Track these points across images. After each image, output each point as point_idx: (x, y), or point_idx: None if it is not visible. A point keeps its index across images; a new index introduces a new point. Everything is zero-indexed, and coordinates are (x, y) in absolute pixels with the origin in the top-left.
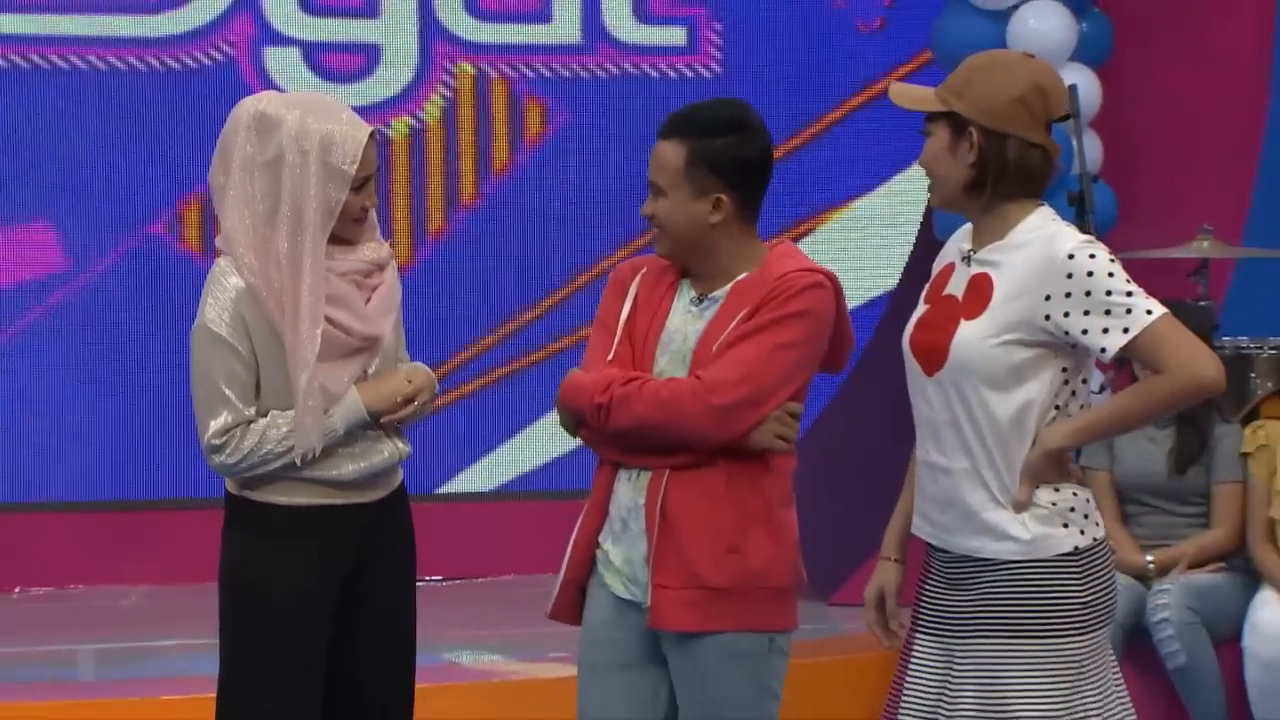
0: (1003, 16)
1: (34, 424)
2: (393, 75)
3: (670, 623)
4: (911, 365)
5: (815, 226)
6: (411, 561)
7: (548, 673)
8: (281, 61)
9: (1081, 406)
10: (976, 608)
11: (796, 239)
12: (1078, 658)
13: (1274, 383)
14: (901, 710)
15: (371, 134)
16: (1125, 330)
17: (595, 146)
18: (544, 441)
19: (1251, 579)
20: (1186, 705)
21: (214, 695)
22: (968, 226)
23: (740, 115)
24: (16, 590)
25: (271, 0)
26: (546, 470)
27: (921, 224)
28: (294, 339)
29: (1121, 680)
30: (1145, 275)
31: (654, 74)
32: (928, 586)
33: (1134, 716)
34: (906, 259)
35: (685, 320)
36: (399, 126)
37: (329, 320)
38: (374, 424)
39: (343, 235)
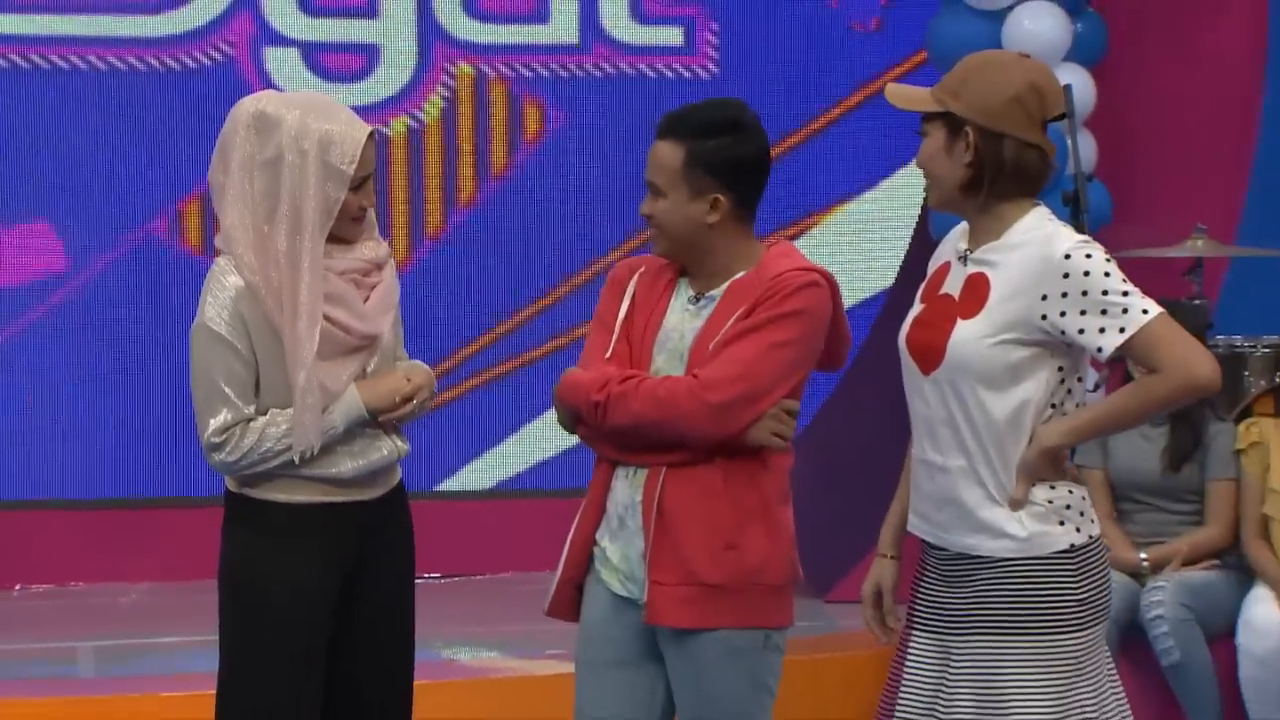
0: (998, 17)
1: (34, 422)
2: (391, 75)
3: (667, 619)
4: (908, 364)
5: (811, 225)
6: (410, 559)
7: (545, 669)
8: (281, 62)
9: (1077, 405)
10: (973, 605)
11: (793, 237)
12: (1074, 654)
13: (1267, 381)
14: (898, 707)
15: (370, 134)
16: (1122, 330)
17: (592, 146)
18: (542, 439)
19: (1245, 576)
20: (1181, 701)
21: (214, 692)
22: (963, 225)
23: (737, 115)
24: (17, 587)
25: (271, 1)
26: (544, 468)
27: (917, 223)
28: (292, 337)
29: (1117, 677)
30: (1139, 274)
31: (651, 74)
32: (923, 583)
33: (1129, 713)
34: (902, 258)
35: (682, 319)
36: (398, 126)
37: (328, 319)
38: (373, 422)
39: (341, 234)
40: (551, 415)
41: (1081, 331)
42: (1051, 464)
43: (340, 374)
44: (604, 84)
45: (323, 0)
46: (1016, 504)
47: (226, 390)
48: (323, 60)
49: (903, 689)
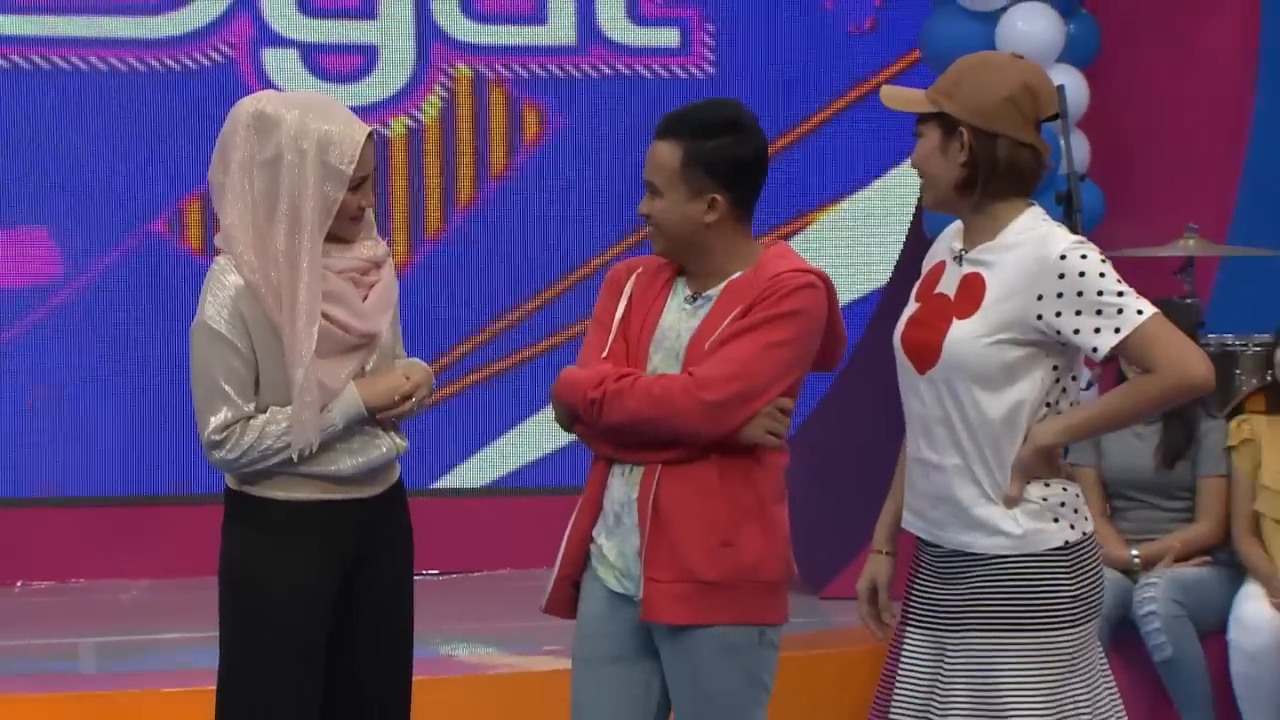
0: (991, 18)
1: (36, 421)
2: (390, 76)
3: (662, 616)
4: (903, 363)
5: (806, 224)
6: (409, 557)
7: (542, 666)
8: (280, 62)
9: (1072, 404)
10: (968, 602)
11: (788, 236)
12: (1068, 651)
13: (1259, 379)
14: (894, 703)
15: (369, 134)
16: (1117, 330)
17: (589, 146)
18: (539, 437)
19: (1236, 572)
20: (1173, 697)
21: (214, 688)
22: (957, 225)
23: (735, 116)
24: (19, 584)
25: (270, 2)
26: (541, 465)
27: (912, 222)
28: (291, 335)
29: (1109, 672)
30: (1132, 273)
31: (647, 75)
32: (918, 580)
33: (1121, 708)
34: (897, 257)
35: (679, 318)
36: (397, 127)
37: (327, 317)
38: (372, 420)
39: (340, 234)
40: (549, 413)
41: (1077, 331)
42: (1046, 462)
43: (339, 372)
44: (601, 85)
45: (321, 1)
46: (1011, 501)
47: (226, 388)
48: (321, 61)
49: (898, 685)
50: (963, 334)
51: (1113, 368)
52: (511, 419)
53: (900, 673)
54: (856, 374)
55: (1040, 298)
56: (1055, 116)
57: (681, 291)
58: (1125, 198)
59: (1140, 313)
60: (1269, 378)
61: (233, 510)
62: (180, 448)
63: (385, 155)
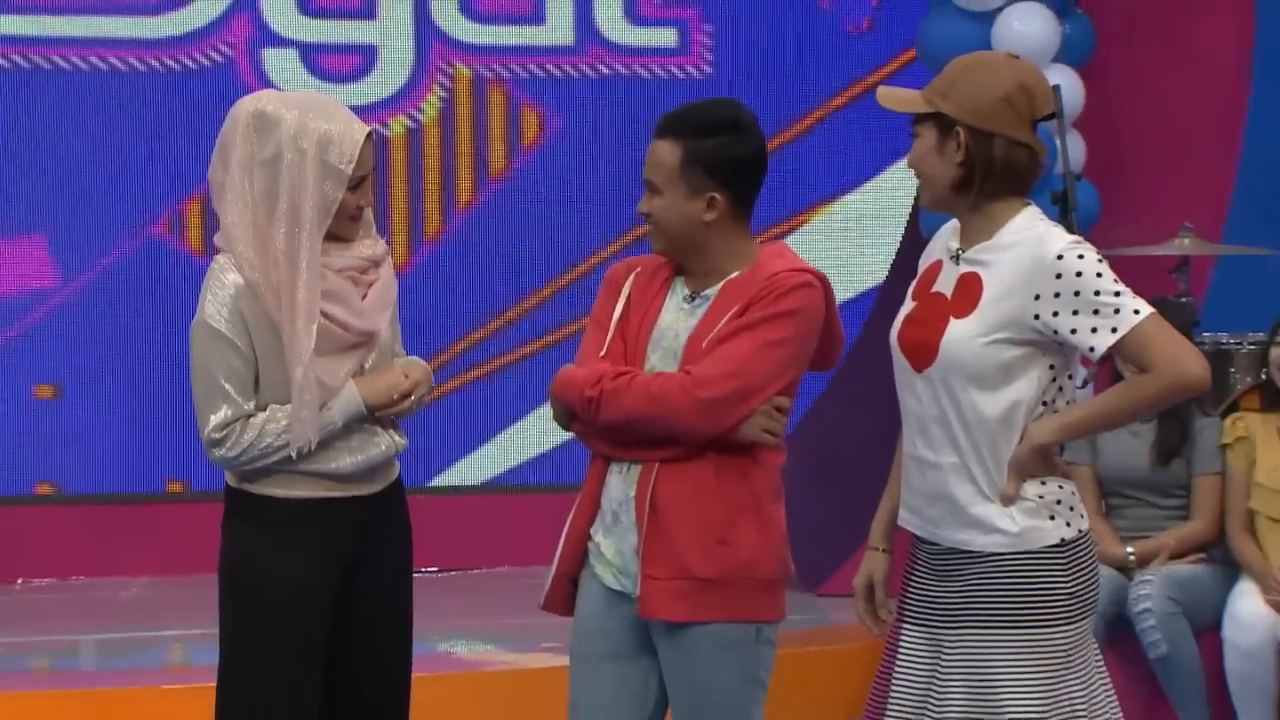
0: (987, 18)
1: (37, 419)
2: (389, 76)
3: (659, 613)
4: (900, 361)
5: (803, 222)
6: (408, 554)
7: (540, 662)
8: (279, 62)
9: (1068, 402)
10: (965, 599)
11: (785, 234)
12: (1064, 647)
13: (1253, 377)
14: (891, 700)
15: (369, 134)
16: (1114, 330)
17: (588, 146)
18: (537, 435)
19: (1231, 570)
20: (1168, 694)
21: (214, 685)
22: (953, 223)
23: (734, 115)
24: (19, 581)
25: (269, 2)
26: (540, 463)
27: (909, 220)
28: (290, 334)
29: (1105, 669)
30: (1127, 272)
31: (645, 75)
32: (914, 577)
33: (1117, 705)
34: (894, 255)
35: (677, 317)
36: (396, 127)
37: (326, 316)
38: (371, 418)
39: (339, 233)
40: (547, 411)
41: (1074, 331)
42: (1042, 460)
43: (338, 370)
44: (599, 84)
45: (321, 2)
46: (1008, 500)
47: (226, 386)
48: (321, 61)
49: (895, 683)
50: (960, 333)
51: (1108, 366)
52: (510, 417)
53: (897, 670)
54: (853, 372)
55: (1037, 297)
56: (1051, 116)
57: (680, 291)
58: (1121, 197)
59: (1137, 312)
60: (1263, 376)
61: (233, 508)
62: (180, 445)
63: (384, 155)
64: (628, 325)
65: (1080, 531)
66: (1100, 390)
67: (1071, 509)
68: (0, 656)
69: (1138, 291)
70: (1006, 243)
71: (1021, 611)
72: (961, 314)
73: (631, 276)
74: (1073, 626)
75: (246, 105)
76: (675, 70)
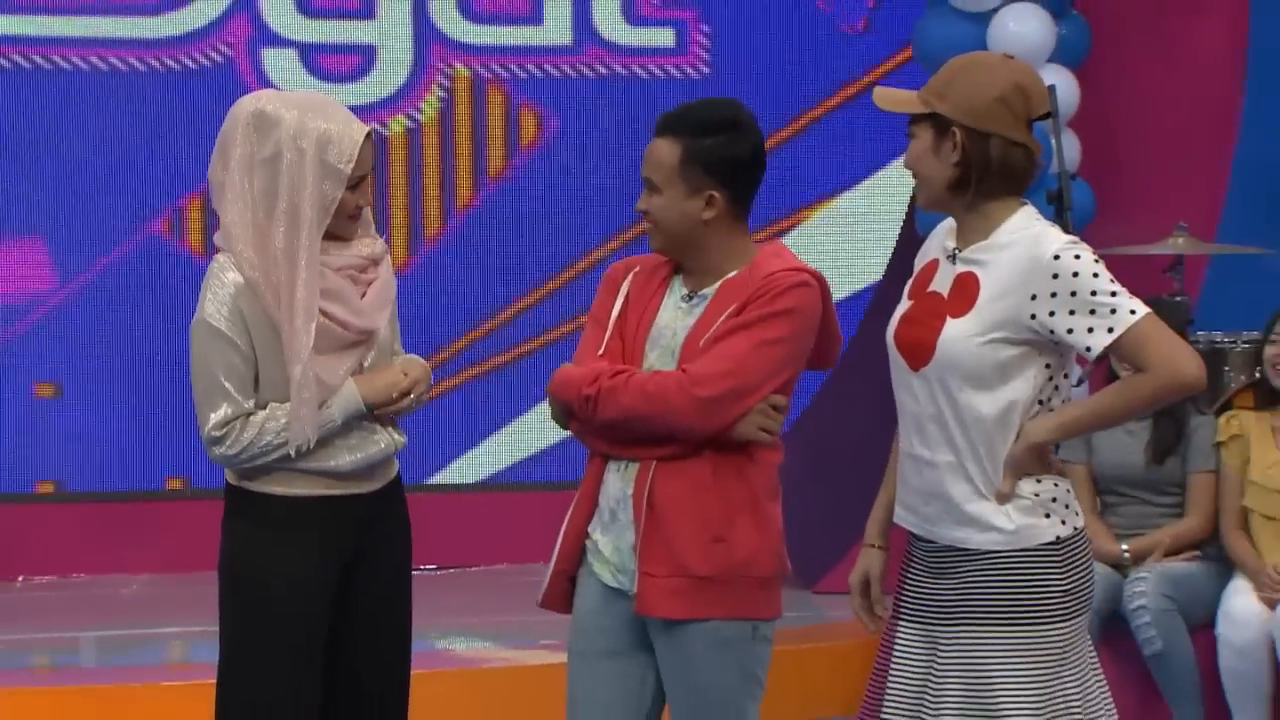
0: (983, 19)
1: (38, 418)
2: (388, 76)
3: (657, 610)
4: (896, 360)
5: (800, 221)
6: (408, 552)
7: (538, 659)
8: (279, 62)
9: (1064, 401)
10: (960, 596)
11: (782, 232)
12: (1059, 644)
13: (1247, 375)
14: (887, 697)
15: (368, 133)
16: (1110, 330)
17: (585, 145)
18: (535, 433)
19: (1225, 567)
20: (1162, 690)
21: (214, 682)
22: (949, 222)
23: (733, 114)
24: (20, 579)
25: (269, 2)
26: (538, 461)
27: (905, 219)
28: (290, 332)
29: (1099, 666)
30: (1122, 271)
31: (643, 75)
32: (910, 575)
33: (1111, 702)
34: (890, 254)
35: (675, 316)
36: (395, 127)
37: (325, 314)
38: (370, 416)
39: (338, 232)
40: (545, 409)
41: (1070, 331)
42: (1038, 459)
43: (337, 369)
44: (597, 85)
45: (320, 2)
46: (1004, 498)
47: (226, 385)
48: (320, 61)
49: (891, 680)
50: (957, 333)
51: (1104, 364)
52: (508, 415)
53: (893, 667)
54: (850, 370)
55: (1034, 297)
56: (1046, 116)
57: (678, 290)
58: (1115, 196)
59: (1133, 312)
60: (1257, 374)
61: (232, 506)
62: (180, 444)
63: (384, 155)
64: (626, 324)
65: (1075, 529)
66: (1096, 389)
67: (1067, 507)
68: (1, 654)
69: (1132, 291)
70: (1003, 242)
71: (1017, 609)
72: (958, 313)
73: (630, 275)
74: (1068, 624)
75: (246, 105)
76: (673, 70)
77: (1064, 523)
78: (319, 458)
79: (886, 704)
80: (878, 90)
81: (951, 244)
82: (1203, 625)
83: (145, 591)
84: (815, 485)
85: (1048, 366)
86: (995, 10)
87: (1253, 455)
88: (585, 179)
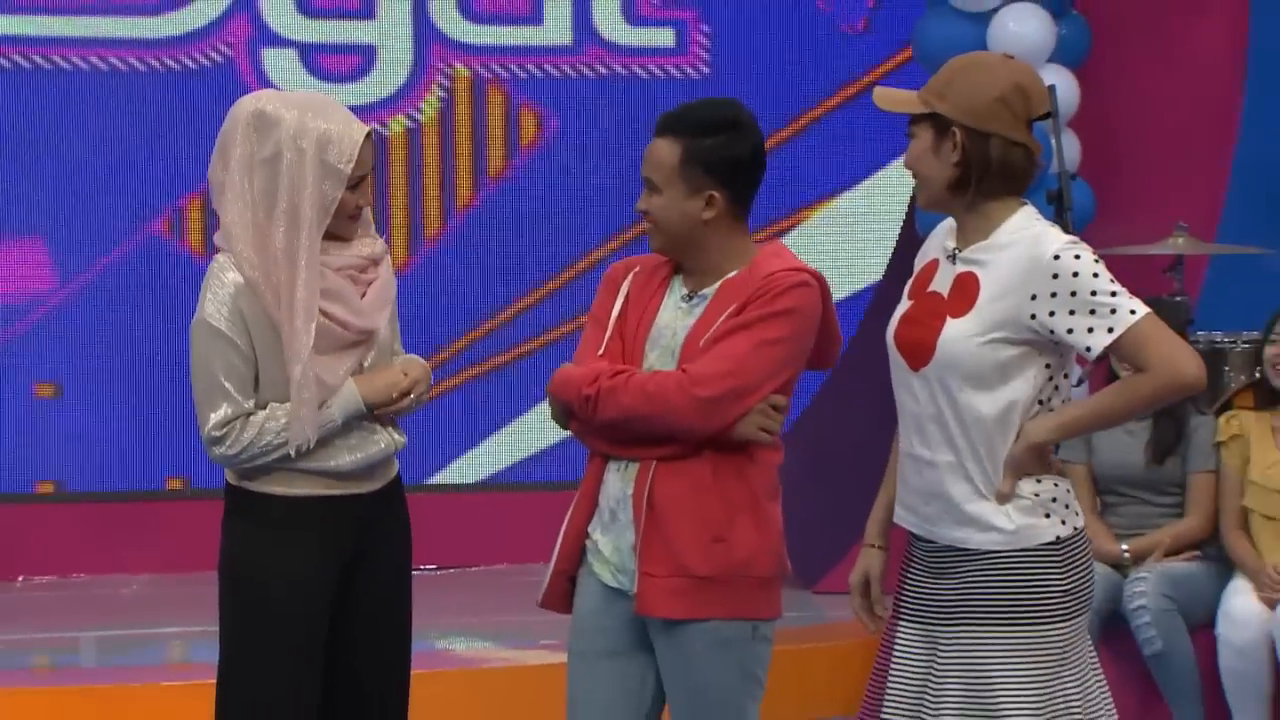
0: (983, 19)
1: (39, 417)
2: (388, 76)
3: (656, 610)
4: (896, 360)
5: (800, 220)
6: (408, 552)
7: (538, 659)
8: (279, 62)
9: (1064, 401)
10: (960, 596)
11: (782, 232)
12: (1059, 644)
13: (1247, 375)
14: (887, 697)
15: (368, 133)
16: (1110, 330)
17: (585, 145)
18: (535, 433)
19: (1225, 567)
20: (1162, 690)
21: (214, 682)
22: (949, 222)
23: (734, 114)
24: (20, 579)
25: (269, 2)
26: (538, 461)
27: (905, 219)
28: (289, 332)
29: (1099, 666)
30: (1122, 271)
31: (643, 74)
32: (910, 575)
33: (1111, 701)
34: (890, 253)
35: (675, 316)
36: (395, 127)
37: (325, 314)
38: (370, 416)
39: (337, 232)
40: (545, 409)
41: (1070, 331)
42: (1038, 459)
43: (337, 368)
44: (597, 85)
45: (320, 2)
46: (1004, 497)
47: (226, 385)
48: (320, 61)
49: (891, 679)
50: (957, 333)
51: (1104, 364)
52: (508, 415)
53: (893, 667)
54: (850, 370)
55: (1034, 297)
56: (1046, 115)
57: (678, 290)
58: (1115, 196)
59: (1133, 313)
60: (1257, 374)
61: (233, 506)
62: (180, 444)
63: (384, 155)
64: (626, 324)
65: (1075, 529)
66: (1096, 389)
67: (1067, 507)
68: (1, 654)
69: (1132, 291)
70: (1003, 242)
71: (1017, 608)
72: (958, 313)
73: (630, 276)
74: (1068, 623)
75: (246, 105)
76: (673, 70)
77: (1064, 523)
78: (319, 458)
79: (886, 704)
80: (878, 90)
81: (951, 244)
82: (1203, 625)
83: (145, 591)
84: (815, 485)
85: (1048, 366)
86: (995, 10)
87: (1253, 455)
88: (585, 179)
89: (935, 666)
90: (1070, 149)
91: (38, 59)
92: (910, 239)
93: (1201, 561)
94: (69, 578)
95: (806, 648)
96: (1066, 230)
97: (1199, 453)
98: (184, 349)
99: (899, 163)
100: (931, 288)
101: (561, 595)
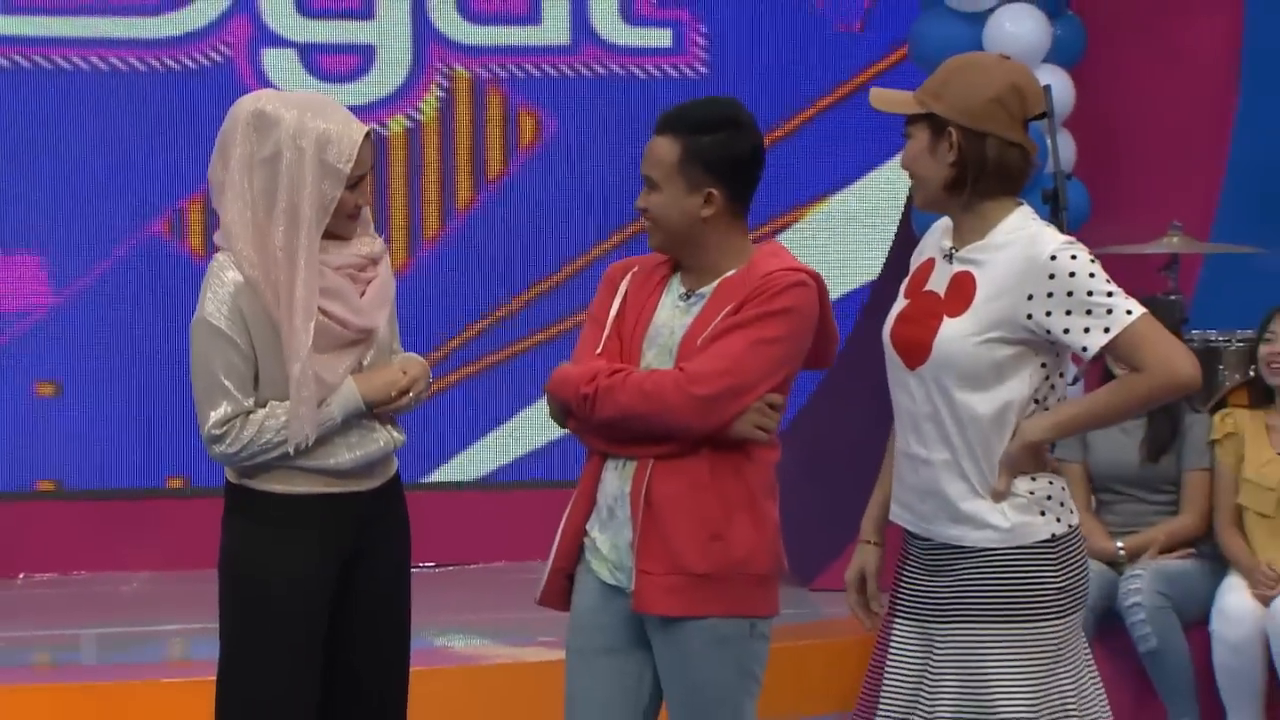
0: (979, 19)
1: (40, 416)
2: (387, 76)
3: (654, 607)
4: (892, 359)
5: (796, 219)
6: (407, 550)
7: (536, 656)
8: (278, 62)
9: (1060, 400)
10: (956, 594)
11: (778, 231)
12: (1054, 641)
13: (1241, 374)
14: (883, 693)
15: (367, 133)
16: (1106, 330)
17: (583, 145)
18: (533, 431)
19: (1219, 564)
20: (1156, 687)
21: (214, 679)
22: (945, 221)
23: (733, 113)
24: (21, 576)
25: (268, 3)
26: (536, 459)
27: (902, 217)
28: (289, 331)
29: (1093, 663)
30: (1117, 270)
31: (640, 74)
32: (906, 572)
33: (1105, 698)
34: (886, 252)
35: (673, 315)
36: (394, 126)
37: (325, 313)
38: (370, 414)
39: (336, 231)
40: (543, 407)
41: (1066, 331)
42: (1034, 457)
43: (337, 367)
44: (594, 84)
45: (319, 2)
46: (999, 496)
47: (226, 383)
48: (319, 61)
49: (887, 676)
50: (953, 332)
51: (1099, 362)
52: (506, 413)
53: (889, 663)
54: (846, 369)
55: (1030, 297)
56: (1042, 115)
57: (676, 289)
58: (1110, 196)
59: (1129, 313)
60: (1252, 373)
61: (232, 503)
62: (181, 442)
63: (383, 155)
64: (623, 322)
65: (1070, 527)
66: (1091, 387)
67: (1062, 505)
68: (2, 651)
69: (1127, 289)
70: (999, 242)
71: (1012, 606)
72: (955, 313)
73: (628, 276)
74: (1063, 621)
75: (246, 104)
76: (670, 70)
77: (1059, 520)
78: (319, 456)
79: (882, 701)
80: (874, 91)
81: (948, 243)
82: (1197, 622)
83: (145, 589)
84: (812, 483)
85: (1044, 366)
86: (991, 11)
87: (1247, 453)
88: (583, 178)
89: (931, 663)
90: (1065, 149)
91: (38, 59)
92: (906, 238)
93: (1196, 559)
94: (69, 575)
95: (803, 645)
96: (1062, 229)
97: (1194, 451)
98: (184, 348)
99: (894, 162)
100: (928, 287)
101: (560, 593)
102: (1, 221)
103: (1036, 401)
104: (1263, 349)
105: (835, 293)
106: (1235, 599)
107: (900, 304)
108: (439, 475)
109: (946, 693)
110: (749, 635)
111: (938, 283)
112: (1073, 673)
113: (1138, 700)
